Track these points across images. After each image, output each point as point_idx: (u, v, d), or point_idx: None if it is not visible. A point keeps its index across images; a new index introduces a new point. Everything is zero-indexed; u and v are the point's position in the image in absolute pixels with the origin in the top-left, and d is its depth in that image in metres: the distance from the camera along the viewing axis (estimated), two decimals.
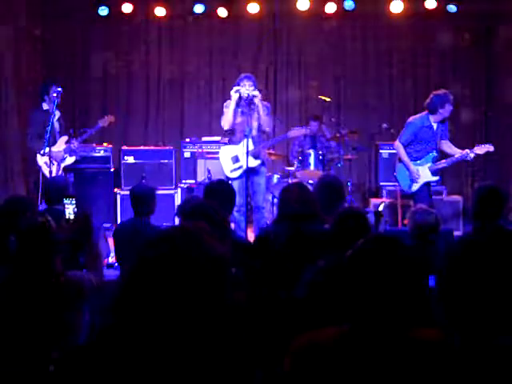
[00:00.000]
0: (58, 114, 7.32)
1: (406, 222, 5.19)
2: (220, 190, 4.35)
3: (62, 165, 7.34)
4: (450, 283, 3.54)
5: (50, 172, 6.95)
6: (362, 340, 1.82)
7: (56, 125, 7.30)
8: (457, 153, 6.87)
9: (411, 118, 6.89)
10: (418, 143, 6.78)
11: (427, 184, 6.84)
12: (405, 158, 6.78)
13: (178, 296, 1.49)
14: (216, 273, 1.52)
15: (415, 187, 6.79)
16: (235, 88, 6.70)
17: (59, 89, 6.98)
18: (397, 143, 6.84)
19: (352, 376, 1.78)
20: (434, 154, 6.86)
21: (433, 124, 6.77)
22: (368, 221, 3.33)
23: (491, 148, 6.78)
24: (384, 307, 1.84)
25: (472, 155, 6.78)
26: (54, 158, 7.17)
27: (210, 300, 1.51)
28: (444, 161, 6.90)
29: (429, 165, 6.80)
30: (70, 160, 7.43)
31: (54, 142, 7.23)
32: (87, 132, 7.48)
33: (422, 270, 4.12)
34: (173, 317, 1.49)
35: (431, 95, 6.78)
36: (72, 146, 7.34)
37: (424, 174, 6.78)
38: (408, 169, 6.77)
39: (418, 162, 6.80)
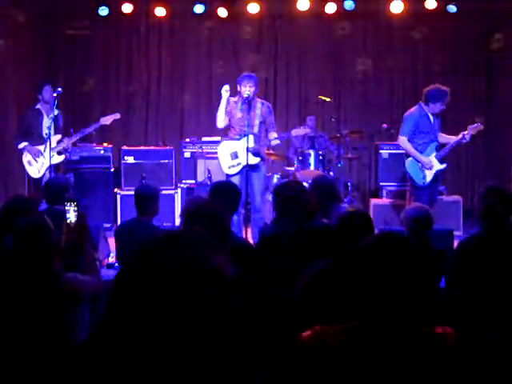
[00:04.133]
0: (56, 111, 7.23)
1: None
2: (225, 190, 4.34)
3: (46, 163, 7.11)
4: (459, 280, 3.55)
5: (48, 170, 6.96)
6: (370, 335, 1.82)
7: (48, 123, 7.15)
8: (452, 139, 6.98)
9: (407, 112, 6.97)
10: (420, 135, 6.82)
11: (436, 177, 6.91)
12: (412, 150, 6.81)
13: (174, 304, 1.49)
14: (213, 284, 1.52)
15: (429, 177, 6.83)
16: (226, 87, 6.72)
17: (59, 89, 6.96)
18: (401, 138, 6.85)
19: (359, 370, 1.79)
20: (436, 143, 6.94)
21: (429, 114, 6.84)
22: (371, 221, 3.33)
23: (481, 127, 6.98)
24: (392, 302, 1.85)
25: (468, 136, 6.90)
26: (33, 156, 7.12)
27: (207, 307, 1.51)
28: (445, 147, 6.96)
29: (434, 154, 6.88)
30: (58, 159, 7.25)
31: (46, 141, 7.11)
32: (81, 131, 7.37)
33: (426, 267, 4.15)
34: (168, 322, 1.49)
35: (433, 86, 6.88)
36: (62, 144, 7.23)
37: (434, 163, 6.84)
38: (418, 160, 6.80)
39: (424, 153, 6.85)
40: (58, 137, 7.30)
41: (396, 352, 1.81)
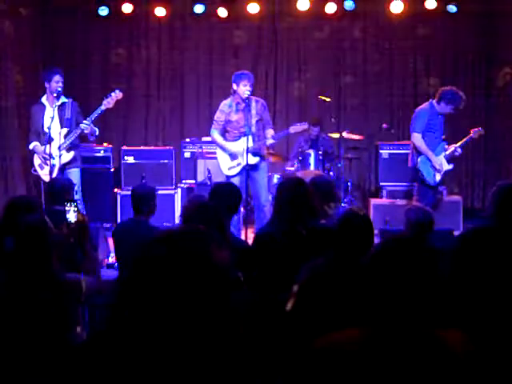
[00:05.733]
0: (62, 99, 6.71)
1: None
2: (226, 191, 4.33)
3: (57, 163, 6.62)
4: (459, 276, 3.54)
5: (51, 173, 6.56)
6: (386, 341, 1.81)
7: (55, 117, 6.63)
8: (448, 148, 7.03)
9: (418, 108, 6.97)
10: (431, 132, 6.82)
11: (444, 177, 6.95)
12: (426, 148, 6.80)
13: (177, 300, 1.49)
14: (216, 278, 1.52)
15: (438, 177, 6.86)
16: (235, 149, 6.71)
17: (59, 89, 6.64)
18: (415, 135, 6.82)
19: (376, 377, 1.78)
20: (444, 143, 6.97)
21: (438, 112, 6.83)
22: (371, 223, 3.32)
23: (483, 131, 7.17)
24: (408, 307, 1.84)
25: (459, 150, 7.00)
26: (43, 161, 6.65)
27: (210, 304, 1.51)
28: (448, 152, 6.99)
29: (443, 154, 6.91)
30: (67, 157, 6.69)
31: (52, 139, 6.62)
32: (91, 115, 6.68)
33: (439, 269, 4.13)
34: (171, 320, 1.49)
35: (451, 87, 6.92)
36: (86, 130, 6.58)
37: (443, 163, 6.87)
38: (430, 159, 6.80)
39: (434, 153, 6.85)
40: (64, 131, 6.68)
41: (412, 358, 1.79)
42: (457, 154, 7.00)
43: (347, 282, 2.77)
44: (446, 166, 6.89)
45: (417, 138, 6.81)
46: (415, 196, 7.03)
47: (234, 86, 6.70)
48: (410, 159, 7.02)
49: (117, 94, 6.81)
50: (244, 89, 6.59)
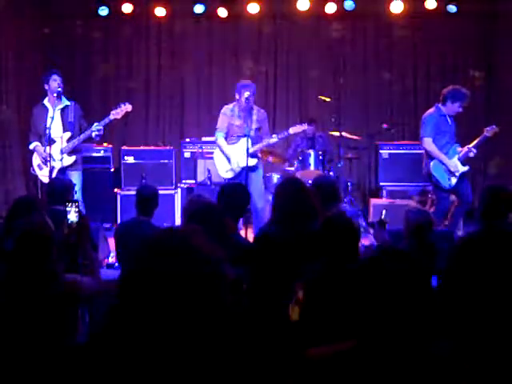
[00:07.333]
0: (64, 102, 6.72)
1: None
2: (235, 192, 4.33)
3: (58, 166, 6.62)
4: (451, 283, 3.54)
5: (50, 173, 6.48)
6: (371, 355, 1.79)
7: (57, 119, 6.63)
8: (461, 150, 6.92)
9: (426, 114, 6.89)
10: (440, 136, 6.75)
11: (462, 176, 6.83)
12: (438, 152, 6.72)
13: (174, 300, 1.49)
14: (211, 279, 1.52)
15: (454, 181, 6.77)
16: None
17: (59, 88, 6.62)
18: (426, 140, 6.74)
19: None
20: (457, 145, 6.88)
21: (446, 115, 6.76)
22: (355, 226, 3.30)
23: (497, 129, 6.95)
24: (392, 322, 1.81)
25: (474, 150, 6.86)
26: (43, 161, 6.62)
27: (206, 304, 1.51)
28: (462, 154, 6.88)
29: (456, 156, 6.81)
30: (68, 160, 6.69)
31: (53, 140, 6.61)
32: (91, 125, 6.66)
33: (424, 274, 4.13)
34: (169, 321, 1.49)
35: (452, 86, 6.84)
36: (95, 132, 6.57)
37: (458, 165, 6.79)
38: (444, 163, 6.73)
39: (447, 156, 6.78)
40: (68, 134, 6.69)
41: (397, 370, 1.78)
42: (471, 154, 6.85)
43: (343, 288, 2.77)
44: (462, 168, 6.78)
45: (427, 143, 6.73)
46: (430, 197, 6.99)
47: (237, 96, 6.83)
48: (424, 165, 6.93)
49: (126, 107, 6.77)
50: (245, 98, 6.67)
